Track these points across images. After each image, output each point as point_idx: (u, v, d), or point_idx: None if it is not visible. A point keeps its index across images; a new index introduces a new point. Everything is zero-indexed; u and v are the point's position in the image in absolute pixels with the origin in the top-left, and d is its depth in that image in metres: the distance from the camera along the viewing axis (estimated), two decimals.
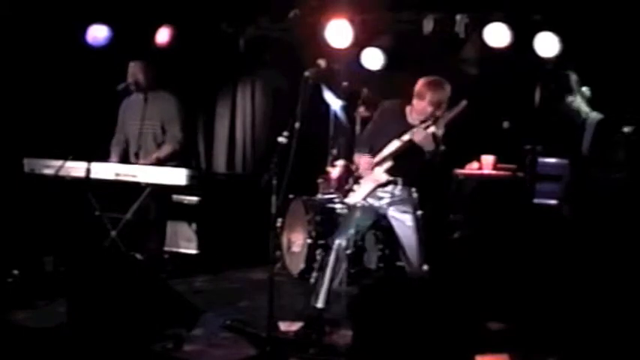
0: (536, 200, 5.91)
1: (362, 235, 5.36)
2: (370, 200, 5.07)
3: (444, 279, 5.61)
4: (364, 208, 5.06)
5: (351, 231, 4.99)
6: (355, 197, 5.11)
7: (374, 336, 4.01)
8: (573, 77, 4.97)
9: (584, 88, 4.96)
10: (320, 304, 4.94)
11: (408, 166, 4.99)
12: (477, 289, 5.30)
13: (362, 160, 5.06)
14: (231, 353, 4.56)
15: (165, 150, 6.20)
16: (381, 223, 5.27)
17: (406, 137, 4.93)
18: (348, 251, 5.04)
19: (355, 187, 5.13)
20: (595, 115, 4.88)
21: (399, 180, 5.02)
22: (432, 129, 4.84)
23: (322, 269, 5.03)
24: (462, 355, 4.00)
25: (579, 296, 4.71)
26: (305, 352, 4.54)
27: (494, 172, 6.70)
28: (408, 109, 5.02)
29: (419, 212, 5.06)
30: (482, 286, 5.40)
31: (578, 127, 4.91)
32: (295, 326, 4.92)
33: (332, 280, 4.96)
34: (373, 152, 5.06)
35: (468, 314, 4.34)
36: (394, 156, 4.98)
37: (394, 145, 4.98)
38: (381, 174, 5.02)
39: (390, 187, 5.03)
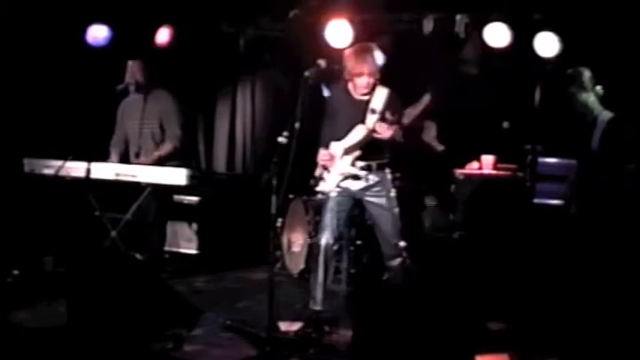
0: (536, 200, 5.91)
1: (345, 222, 5.24)
2: (345, 184, 5.02)
3: (445, 279, 5.61)
4: (339, 196, 5.01)
5: (332, 225, 4.97)
6: (326, 186, 5.06)
7: (373, 336, 4.01)
8: (587, 74, 4.96)
9: (598, 87, 4.95)
10: (318, 307, 4.94)
11: (375, 152, 4.97)
12: (477, 289, 5.30)
13: (319, 155, 5.03)
14: (231, 353, 4.56)
15: (166, 148, 6.19)
16: (356, 211, 5.25)
17: (373, 119, 4.85)
18: (335, 247, 5.04)
19: (325, 175, 5.07)
20: (606, 114, 4.88)
21: (373, 165, 4.98)
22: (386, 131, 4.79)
23: (314, 271, 5.01)
24: (462, 355, 4.00)
25: (579, 296, 4.71)
26: (305, 352, 4.54)
27: (494, 172, 6.70)
28: (350, 85, 5.01)
29: (393, 193, 5.02)
30: (482, 286, 5.40)
31: (589, 124, 4.90)
32: (295, 326, 4.91)
33: (325, 279, 4.95)
34: (335, 139, 5.02)
35: (467, 314, 4.34)
36: (363, 144, 4.94)
37: (360, 131, 4.92)
38: (347, 166, 4.98)
39: (364, 173, 4.98)
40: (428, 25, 6.82)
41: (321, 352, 4.56)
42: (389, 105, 4.88)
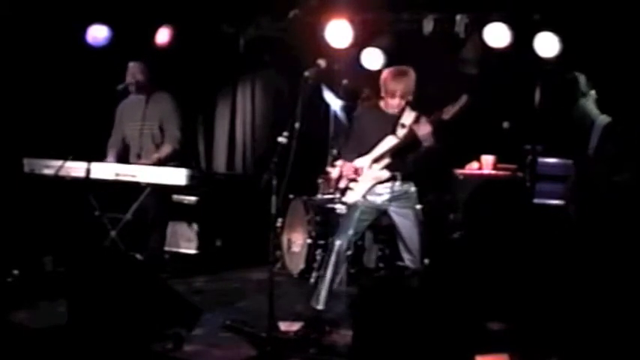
0: (536, 200, 5.92)
1: (361, 235, 5.36)
2: (370, 197, 5.07)
3: (444, 279, 5.61)
4: (364, 207, 5.07)
5: (351, 231, 5.00)
6: (354, 196, 5.11)
7: (374, 336, 4.01)
8: (582, 79, 4.97)
9: (592, 92, 4.96)
10: (320, 306, 4.94)
11: (404, 161, 5.03)
12: (477, 289, 5.30)
13: (344, 167, 5.09)
14: (231, 353, 4.56)
15: (165, 150, 6.19)
16: (381, 220, 5.29)
17: (404, 132, 4.95)
18: (349, 252, 5.05)
19: (352, 185, 5.11)
20: (603, 118, 4.88)
21: (398, 175, 5.05)
22: (428, 126, 4.86)
23: (323, 270, 5.03)
24: (462, 355, 4.00)
25: (579, 296, 4.71)
26: (305, 352, 4.54)
27: (494, 172, 6.71)
28: (382, 103, 5.07)
29: (418, 206, 5.09)
30: (482, 286, 5.40)
31: (586, 129, 4.91)
32: (295, 326, 4.91)
33: (332, 281, 4.97)
34: (361, 154, 5.07)
35: (468, 314, 4.34)
36: (392, 152, 4.99)
37: (390, 141, 4.98)
38: (379, 171, 5.04)
39: (389, 183, 5.05)
40: (428, 25, 6.83)
41: (321, 352, 4.56)
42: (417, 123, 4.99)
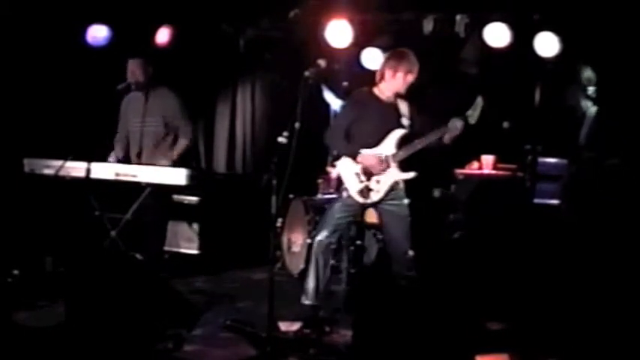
0: (536, 200, 5.93)
1: (345, 229, 5.26)
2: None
3: (444, 279, 5.61)
4: (345, 203, 5.03)
5: (333, 223, 4.99)
6: (377, 195, 4.97)
7: (374, 336, 4.01)
8: (586, 72, 4.98)
9: (592, 88, 4.98)
10: (308, 301, 4.95)
11: (410, 160, 4.99)
12: (476, 289, 5.30)
13: (374, 160, 4.91)
14: (231, 353, 4.56)
15: (180, 146, 6.14)
16: (364, 217, 5.27)
17: (408, 122, 4.92)
18: (333, 246, 5.05)
19: (373, 185, 4.98)
20: (594, 109, 4.90)
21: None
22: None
23: (307, 265, 5.05)
24: (462, 355, 4.00)
25: (578, 296, 4.72)
26: (305, 352, 4.55)
27: (494, 172, 6.71)
28: (376, 90, 5.01)
29: (406, 200, 5.03)
30: (482, 286, 5.40)
31: (578, 119, 4.94)
32: (295, 326, 4.92)
33: (318, 277, 4.97)
34: (366, 146, 4.99)
35: (467, 314, 4.34)
36: (408, 149, 4.93)
37: (398, 133, 4.93)
38: (398, 172, 4.96)
39: (412, 175, 5.00)
40: (428, 25, 6.83)
41: (321, 352, 4.57)
42: (412, 112, 4.99)
